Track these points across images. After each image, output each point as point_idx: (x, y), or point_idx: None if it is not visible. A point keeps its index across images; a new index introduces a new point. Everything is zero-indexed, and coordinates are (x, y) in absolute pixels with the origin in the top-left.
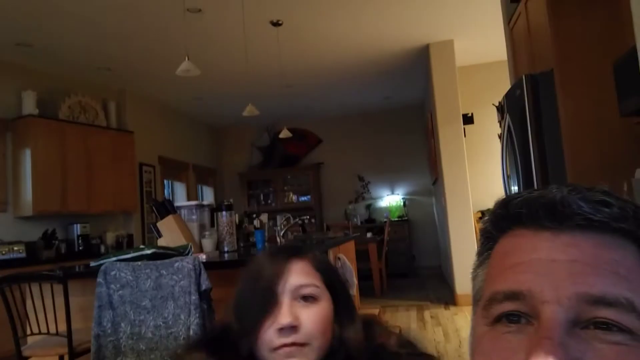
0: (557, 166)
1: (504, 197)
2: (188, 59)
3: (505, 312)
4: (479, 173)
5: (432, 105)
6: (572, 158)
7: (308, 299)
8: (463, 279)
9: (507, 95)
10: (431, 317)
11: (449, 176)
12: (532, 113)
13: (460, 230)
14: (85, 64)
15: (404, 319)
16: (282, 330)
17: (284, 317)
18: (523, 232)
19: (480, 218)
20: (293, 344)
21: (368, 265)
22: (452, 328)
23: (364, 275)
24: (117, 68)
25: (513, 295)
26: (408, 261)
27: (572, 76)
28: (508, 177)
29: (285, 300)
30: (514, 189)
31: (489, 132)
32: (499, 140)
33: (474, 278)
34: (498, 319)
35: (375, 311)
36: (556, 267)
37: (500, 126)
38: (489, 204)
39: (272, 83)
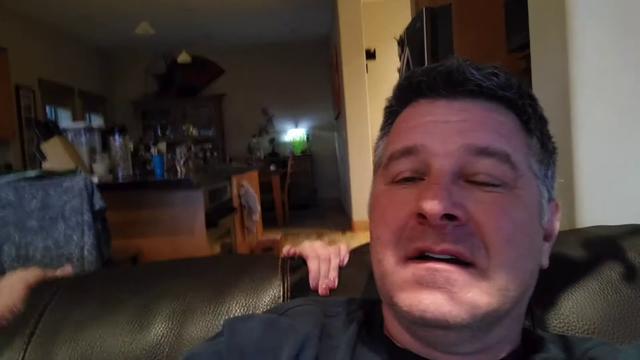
0: None
1: (408, 71)
2: None
3: (401, 173)
4: (378, 108)
5: (337, 40)
6: None
7: None
8: (360, 207)
9: (407, 29)
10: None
11: (351, 110)
12: (429, 45)
13: (359, 161)
14: None
15: None
16: None
17: None
18: (422, 102)
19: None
20: None
21: (271, 197)
22: None
23: (267, 207)
24: None
25: (408, 151)
26: (310, 193)
27: (467, 12)
28: None
29: None
30: None
31: (390, 68)
32: (398, 74)
33: (375, 150)
34: (395, 181)
35: (277, 237)
36: (448, 126)
37: (400, 60)
38: None
39: (170, 4)
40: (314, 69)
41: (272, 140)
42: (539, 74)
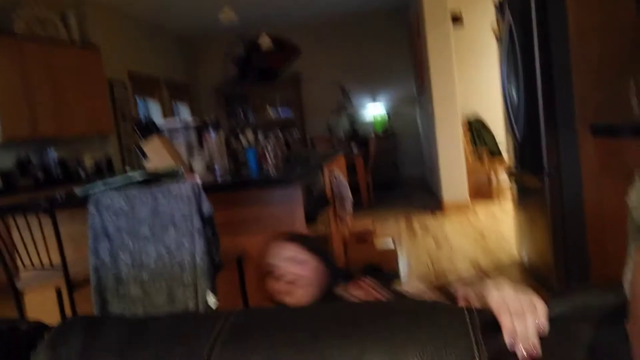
0: (563, 66)
1: None
2: None
3: None
4: (466, 79)
5: (418, 4)
6: (579, 58)
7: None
8: (450, 187)
9: None
10: (419, 226)
11: (437, 83)
12: (538, 11)
13: (447, 138)
14: None
15: (394, 228)
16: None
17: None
18: None
19: (468, 128)
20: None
21: (354, 178)
22: (442, 235)
23: (351, 189)
24: None
25: None
26: (392, 172)
27: None
28: (508, 81)
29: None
30: (514, 94)
31: (480, 35)
32: (492, 43)
33: (633, 209)
34: None
35: (369, 225)
36: None
37: (499, 27)
38: (477, 110)
39: None
40: (390, 40)
41: (351, 119)
42: None
